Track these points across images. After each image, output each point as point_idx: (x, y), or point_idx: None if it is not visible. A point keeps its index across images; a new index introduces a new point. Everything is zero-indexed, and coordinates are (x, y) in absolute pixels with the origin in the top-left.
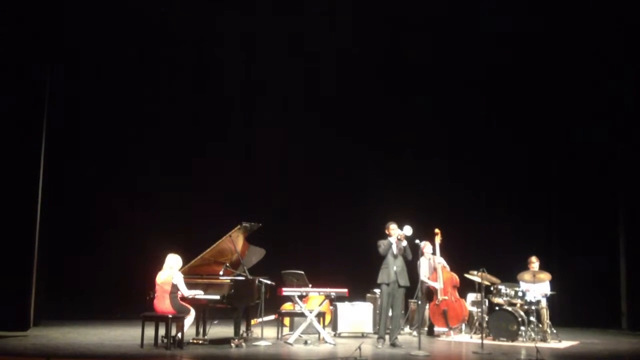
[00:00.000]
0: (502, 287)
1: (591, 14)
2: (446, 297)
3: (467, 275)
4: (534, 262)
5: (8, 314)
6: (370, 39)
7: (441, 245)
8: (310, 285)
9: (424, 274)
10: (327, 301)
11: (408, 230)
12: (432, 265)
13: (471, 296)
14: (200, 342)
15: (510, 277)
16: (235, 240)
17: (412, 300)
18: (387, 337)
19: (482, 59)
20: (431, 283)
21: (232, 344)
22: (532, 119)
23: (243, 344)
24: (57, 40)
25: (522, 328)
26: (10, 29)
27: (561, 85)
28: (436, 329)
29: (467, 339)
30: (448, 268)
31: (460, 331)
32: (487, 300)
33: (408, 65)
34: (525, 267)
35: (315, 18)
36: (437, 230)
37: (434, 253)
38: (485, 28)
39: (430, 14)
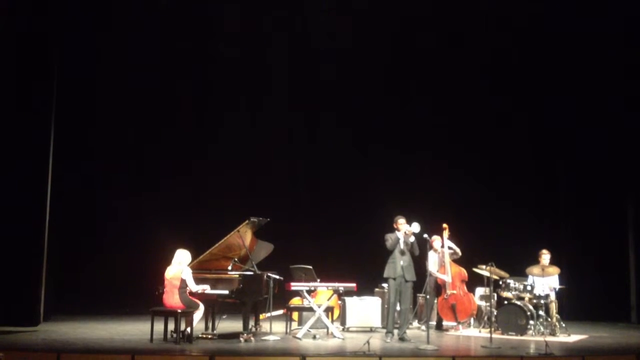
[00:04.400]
0: (511, 281)
1: None
2: (455, 292)
3: (475, 270)
4: (545, 254)
5: (18, 310)
6: (375, 38)
7: (450, 240)
8: (318, 280)
9: (432, 267)
10: (335, 296)
11: (416, 227)
12: (441, 259)
13: (480, 290)
14: (209, 336)
15: (519, 271)
16: (244, 235)
17: (421, 295)
18: (395, 331)
19: (490, 51)
20: (440, 276)
21: (241, 339)
22: (539, 112)
23: (252, 338)
24: (65, 33)
25: (531, 322)
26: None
27: (567, 78)
28: (445, 323)
29: (475, 333)
30: (458, 250)
31: (469, 325)
32: (495, 295)
33: (414, 60)
34: (534, 260)
35: (319, 16)
36: (445, 225)
37: (442, 247)
38: (488, 15)
39: (432, 6)
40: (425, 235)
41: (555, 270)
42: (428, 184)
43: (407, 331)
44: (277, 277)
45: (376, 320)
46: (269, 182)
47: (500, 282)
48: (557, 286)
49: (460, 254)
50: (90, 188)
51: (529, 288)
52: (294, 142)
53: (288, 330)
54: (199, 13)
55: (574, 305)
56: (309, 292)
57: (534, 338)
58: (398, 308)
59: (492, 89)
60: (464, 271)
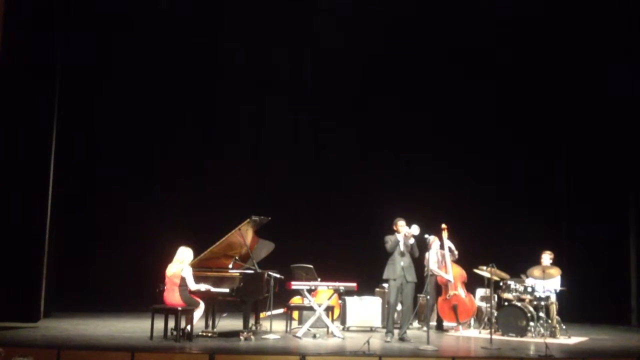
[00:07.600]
0: (512, 283)
1: None
2: (456, 292)
3: (476, 271)
4: (546, 254)
5: (19, 306)
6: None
7: (449, 240)
8: (319, 279)
9: (433, 266)
10: (335, 295)
11: (415, 229)
12: (440, 258)
13: (480, 291)
14: (210, 334)
15: (519, 272)
16: (245, 234)
17: (421, 295)
18: (395, 331)
19: (490, 49)
20: (443, 275)
21: (241, 337)
22: (541, 111)
23: (252, 337)
24: (71, 30)
25: (531, 323)
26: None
27: (568, 76)
28: (445, 323)
29: (475, 334)
30: (456, 252)
31: (469, 326)
32: (496, 296)
33: (412, 60)
34: (535, 262)
35: (325, 15)
36: (444, 226)
37: (442, 248)
38: (486, 17)
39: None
40: (427, 236)
41: (556, 272)
42: (428, 184)
43: (407, 331)
44: (278, 275)
45: (376, 320)
46: (271, 181)
47: (501, 284)
48: (559, 288)
49: (456, 255)
50: (91, 185)
51: (529, 289)
52: (296, 142)
53: (288, 329)
54: (204, 15)
55: (575, 307)
56: (310, 291)
57: (534, 340)
58: (399, 308)
59: (492, 89)
60: (464, 273)
